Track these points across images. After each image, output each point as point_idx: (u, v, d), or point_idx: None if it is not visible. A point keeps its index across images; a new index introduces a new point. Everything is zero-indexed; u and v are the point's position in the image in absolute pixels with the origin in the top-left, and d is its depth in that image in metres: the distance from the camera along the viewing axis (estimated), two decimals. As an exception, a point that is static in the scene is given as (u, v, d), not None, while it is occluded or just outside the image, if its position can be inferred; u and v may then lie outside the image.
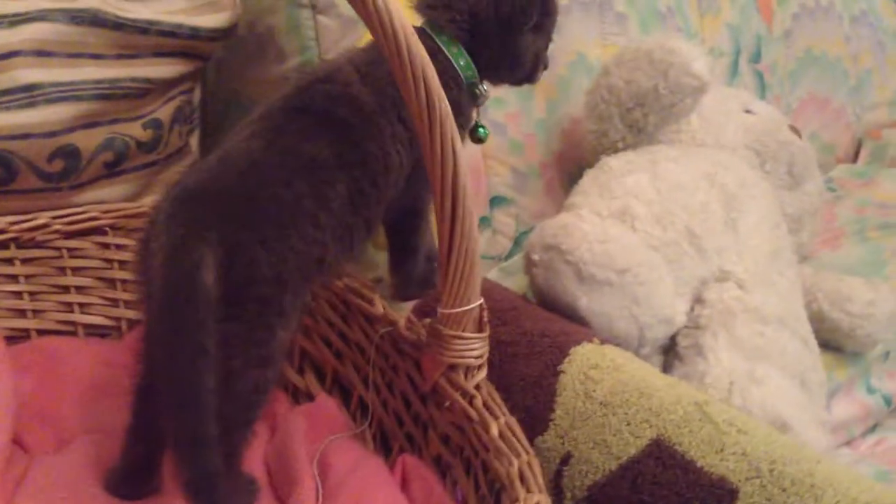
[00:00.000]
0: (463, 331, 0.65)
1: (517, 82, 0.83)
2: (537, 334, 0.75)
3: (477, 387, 0.67)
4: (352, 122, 0.67)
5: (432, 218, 0.66)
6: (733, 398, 0.79)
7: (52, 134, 0.84)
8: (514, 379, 0.73)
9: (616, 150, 1.02)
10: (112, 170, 0.90)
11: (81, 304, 0.88)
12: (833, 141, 1.55)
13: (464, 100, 0.76)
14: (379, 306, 0.76)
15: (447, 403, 0.68)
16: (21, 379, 0.77)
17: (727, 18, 1.35)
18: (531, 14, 0.77)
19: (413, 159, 0.70)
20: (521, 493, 0.57)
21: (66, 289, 0.88)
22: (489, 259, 1.07)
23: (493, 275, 1.03)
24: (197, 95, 1.01)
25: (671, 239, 0.87)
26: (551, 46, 0.83)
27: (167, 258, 0.57)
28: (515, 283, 0.96)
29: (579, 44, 1.14)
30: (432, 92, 0.56)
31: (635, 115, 1.00)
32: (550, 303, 0.83)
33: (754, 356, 0.84)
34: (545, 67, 0.82)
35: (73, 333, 0.88)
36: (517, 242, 1.09)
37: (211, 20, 0.92)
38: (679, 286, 0.86)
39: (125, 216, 0.89)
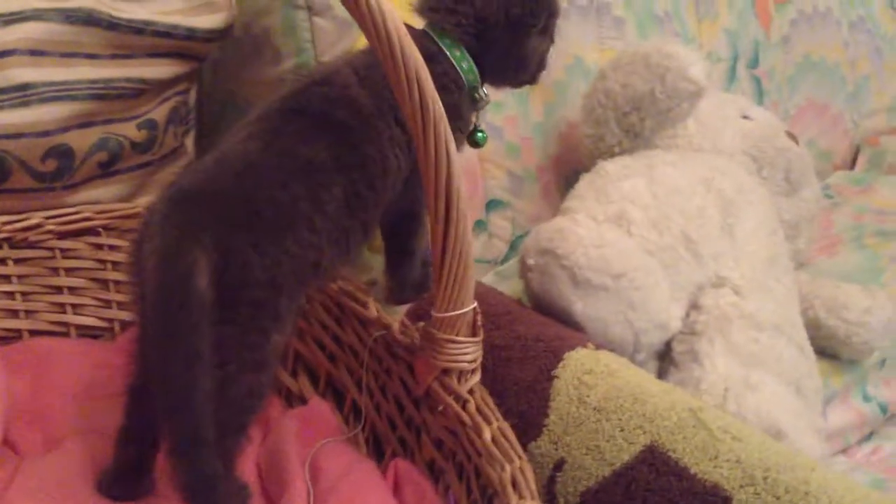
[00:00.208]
0: (457, 335, 0.65)
1: (519, 84, 0.83)
2: (531, 339, 0.75)
3: (470, 391, 0.67)
4: (350, 124, 0.66)
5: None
6: (728, 405, 0.79)
7: (46, 133, 0.84)
8: (508, 384, 0.73)
9: (612, 155, 1.02)
10: (106, 170, 0.89)
11: (74, 305, 0.88)
12: (831, 147, 1.55)
13: (464, 104, 0.75)
14: (373, 309, 0.76)
15: (440, 408, 0.67)
16: (12, 379, 0.77)
17: (725, 24, 1.35)
18: (540, 16, 0.76)
19: (411, 162, 0.69)
20: (514, 498, 0.57)
21: (58, 289, 0.87)
22: (485, 263, 1.06)
23: (488, 279, 1.03)
24: (192, 96, 1.00)
25: (667, 244, 0.86)
26: (552, 48, 0.83)
27: (161, 261, 0.57)
28: (511, 287, 0.96)
29: (576, 47, 1.14)
30: (426, 94, 0.55)
31: (632, 119, 0.99)
32: (545, 307, 0.83)
33: (750, 362, 0.83)
34: (545, 68, 0.82)
35: (66, 334, 0.88)
36: (513, 246, 1.09)
37: (207, 21, 0.92)
38: (675, 291, 0.85)
39: (119, 217, 0.89)
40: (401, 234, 0.78)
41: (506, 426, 0.64)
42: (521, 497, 0.57)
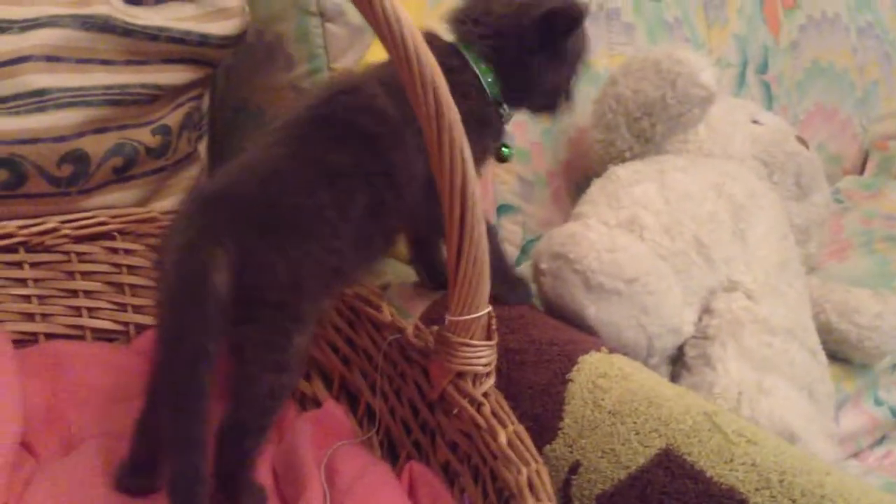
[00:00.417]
0: (471, 338, 0.65)
1: (535, 110, 0.82)
2: (545, 342, 0.75)
3: (485, 394, 0.67)
4: (376, 132, 0.67)
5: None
6: (742, 409, 0.79)
7: (62, 139, 0.85)
8: (523, 387, 0.73)
9: (623, 160, 1.02)
10: (121, 175, 0.90)
11: (90, 309, 0.89)
12: (840, 152, 1.55)
13: (492, 113, 0.76)
14: (387, 313, 0.76)
15: (455, 411, 0.68)
16: (29, 382, 0.77)
17: (734, 29, 1.35)
18: (537, 34, 0.75)
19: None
20: (531, 501, 0.57)
21: (74, 293, 0.88)
22: (496, 267, 1.07)
23: (499, 283, 1.03)
24: (206, 102, 1.01)
25: (679, 249, 0.86)
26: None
27: (179, 257, 0.58)
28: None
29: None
30: (441, 99, 0.56)
31: (643, 124, 1.00)
32: (558, 311, 0.83)
33: (762, 367, 0.83)
34: (567, 98, 0.82)
35: (81, 337, 0.88)
36: (524, 251, 1.09)
37: (220, 27, 0.93)
38: (687, 296, 0.85)
39: (134, 221, 0.90)
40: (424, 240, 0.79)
41: (521, 429, 0.64)
42: (538, 500, 0.57)
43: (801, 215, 1.09)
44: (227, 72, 1.06)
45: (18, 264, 0.85)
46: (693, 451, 0.63)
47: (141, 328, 0.89)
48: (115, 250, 0.89)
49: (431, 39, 0.70)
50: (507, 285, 0.80)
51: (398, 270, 0.91)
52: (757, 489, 0.60)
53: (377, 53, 0.93)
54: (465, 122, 0.55)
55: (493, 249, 0.61)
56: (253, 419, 0.61)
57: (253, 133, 1.05)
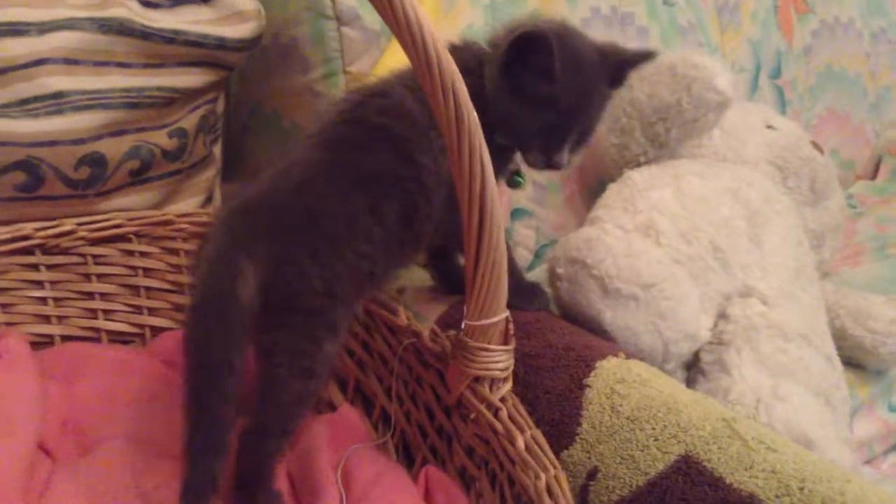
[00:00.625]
0: (489, 343, 0.65)
1: (521, 148, 0.76)
2: (562, 348, 0.75)
3: (502, 399, 0.67)
4: (407, 135, 0.67)
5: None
6: (758, 415, 0.79)
7: (79, 141, 0.85)
8: (540, 392, 0.73)
9: (638, 164, 1.02)
10: (137, 178, 0.90)
11: (105, 311, 0.89)
12: (852, 157, 1.55)
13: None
14: (403, 317, 0.76)
15: (472, 415, 0.68)
16: (45, 385, 0.77)
17: (748, 34, 1.35)
18: (503, 75, 0.71)
19: None
20: (550, 507, 0.57)
21: (90, 295, 0.88)
22: (510, 271, 1.07)
23: (513, 287, 1.03)
24: (221, 105, 1.01)
25: (696, 254, 0.86)
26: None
27: (209, 268, 0.58)
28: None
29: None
30: (461, 104, 0.56)
31: (657, 129, 0.99)
32: (575, 316, 0.83)
33: (778, 373, 0.83)
34: (572, 151, 0.75)
35: (97, 340, 0.88)
36: (538, 255, 1.09)
37: (236, 30, 0.93)
38: (703, 301, 0.85)
39: (150, 224, 0.90)
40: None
41: (539, 434, 0.64)
42: (556, 505, 0.57)
43: (815, 220, 1.09)
44: (242, 75, 1.06)
45: (35, 266, 0.85)
46: (712, 457, 0.63)
47: (156, 331, 0.90)
48: (130, 253, 0.89)
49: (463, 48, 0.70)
50: (524, 297, 0.80)
51: (414, 274, 0.91)
52: (777, 496, 0.59)
53: (392, 57, 0.93)
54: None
55: (507, 264, 0.60)
56: (276, 423, 0.61)
57: (268, 136, 1.05)
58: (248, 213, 0.61)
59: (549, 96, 0.71)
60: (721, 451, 0.63)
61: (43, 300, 0.86)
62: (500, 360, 0.66)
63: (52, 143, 0.84)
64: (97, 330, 0.88)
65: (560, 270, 0.84)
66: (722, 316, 0.88)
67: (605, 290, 0.80)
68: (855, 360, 1.02)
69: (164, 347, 0.85)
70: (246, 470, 0.62)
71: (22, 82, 0.82)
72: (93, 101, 0.86)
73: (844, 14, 1.51)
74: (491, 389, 0.67)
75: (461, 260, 0.78)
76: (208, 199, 1.00)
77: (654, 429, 0.66)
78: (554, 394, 0.72)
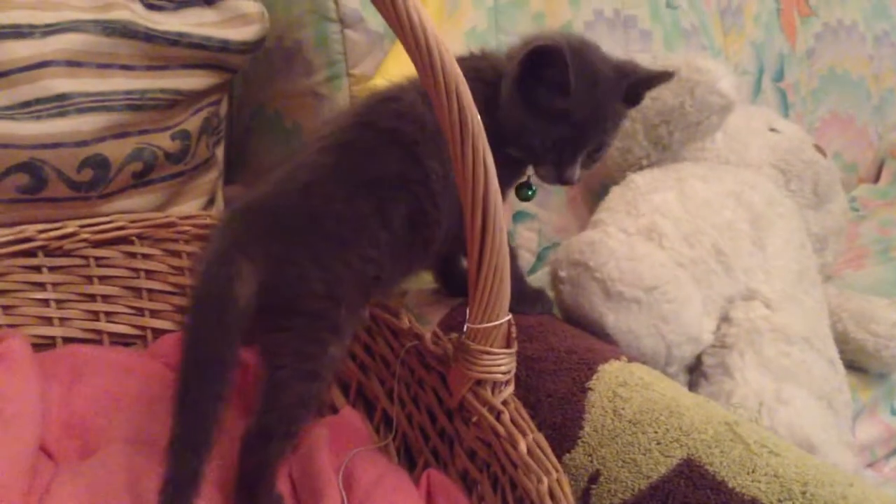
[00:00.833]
0: (491, 346, 0.65)
1: (541, 176, 0.75)
2: (564, 351, 0.75)
3: (504, 402, 0.67)
4: (415, 138, 0.67)
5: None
6: (760, 418, 0.78)
7: (82, 143, 0.85)
8: (542, 395, 0.73)
9: (640, 167, 1.02)
10: (140, 180, 0.90)
11: (107, 313, 0.89)
12: (855, 160, 1.55)
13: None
14: (405, 320, 0.76)
15: (474, 418, 0.68)
16: (47, 386, 0.78)
17: (751, 37, 1.35)
18: (517, 87, 0.70)
19: None
20: (552, 510, 0.57)
21: (92, 297, 0.88)
22: (512, 274, 1.06)
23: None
24: (224, 107, 1.02)
25: (699, 257, 0.86)
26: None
27: (207, 268, 0.58)
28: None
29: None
30: (465, 107, 0.56)
31: (660, 131, 0.99)
32: (577, 319, 0.83)
33: (781, 376, 0.83)
34: (584, 167, 0.75)
35: (99, 342, 0.88)
36: (540, 257, 1.09)
37: (240, 33, 0.93)
38: (706, 305, 0.85)
39: (152, 226, 0.90)
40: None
41: (541, 438, 0.64)
42: (559, 509, 0.57)
43: (818, 224, 1.09)
44: (245, 77, 1.06)
45: (37, 268, 0.85)
46: (714, 461, 0.63)
47: (158, 333, 0.90)
48: (133, 255, 0.89)
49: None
50: (526, 300, 0.80)
51: (416, 277, 0.91)
52: (779, 500, 0.59)
53: (395, 60, 0.93)
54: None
55: (511, 269, 0.60)
56: (279, 426, 0.61)
57: (271, 139, 1.05)
58: (250, 215, 0.61)
59: (563, 110, 0.70)
60: (723, 455, 0.62)
61: (45, 302, 0.86)
62: (502, 363, 0.66)
63: (55, 146, 0.84)
64: (99, 332, 0.88)
65: (562, 273, 0.84)
66: (725, 319, 0.88)
67: (608, 293, 0.80)
68: (857, 363, 1.02)
69: (166, 350, 0.85)
70: (248, 472, 0.62)
71: (25, 84, 0.82)
72: (96, 103, 0.86)
73: (847, 17, 1.51)
74: (493, 392, 0.67)
75: (464, 262, 0.78)
76: (211, 202, 1.00)
77: (656, 432, 0.66)
78: (556, 397, 0.72)
